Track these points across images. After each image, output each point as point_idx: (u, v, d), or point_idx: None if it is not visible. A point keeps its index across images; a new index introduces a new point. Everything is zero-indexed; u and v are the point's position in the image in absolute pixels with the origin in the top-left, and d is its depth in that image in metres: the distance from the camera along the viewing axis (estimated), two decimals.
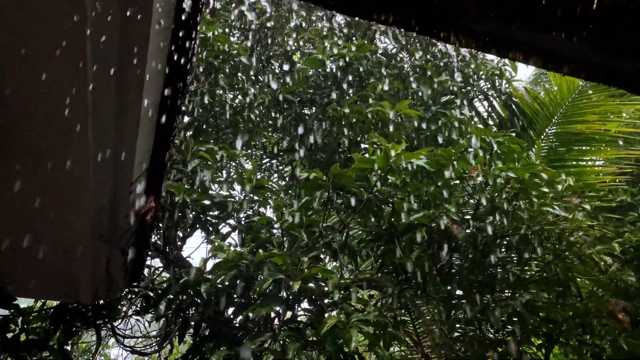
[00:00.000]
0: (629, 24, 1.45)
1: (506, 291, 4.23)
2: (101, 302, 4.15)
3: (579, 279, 4.36)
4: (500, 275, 4.06)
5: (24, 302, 4.48)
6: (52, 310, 4.11)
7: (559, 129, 6.40)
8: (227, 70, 5.13)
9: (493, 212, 3.87)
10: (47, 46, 1.96)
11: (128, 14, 1.99)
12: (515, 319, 4.07)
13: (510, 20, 1.36)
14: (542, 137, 6.44)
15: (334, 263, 5.10)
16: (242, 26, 6.52)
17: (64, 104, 2.21)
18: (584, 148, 6.46)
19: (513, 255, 4.22)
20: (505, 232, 3.92)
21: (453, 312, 4.42)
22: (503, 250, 4.13)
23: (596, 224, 4.30)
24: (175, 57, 2.31)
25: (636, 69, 1.54)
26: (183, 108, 4.94)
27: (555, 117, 6.37)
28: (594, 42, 1.44)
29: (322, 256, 4.71)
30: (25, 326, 3.96)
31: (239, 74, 5.42)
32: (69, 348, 4.49)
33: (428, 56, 6.68)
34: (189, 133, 4.98)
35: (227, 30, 6.21)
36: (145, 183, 3.21)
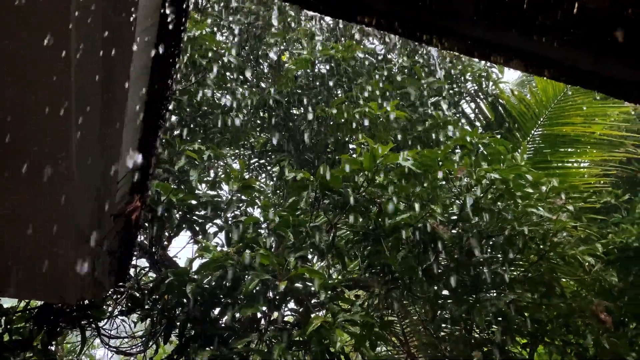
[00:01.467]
0: (608, 29, 1.48)
1: (491, 291, 4.27)
2: (86, 302, 4.12)
3: (563, 280, 4.41)
4: (486, 275, 4.09)
5: (7, 302, 4.43)
6: (36, 310, 4.07)
7: (545, 130, 6.46)
8: (215, 69, 5.11)
9: (478, 213, 3.90)
10: (30, 46, 1.94)
11: (113, 13, 1.98)
12: (500, 318, 4.11)
13: (492, 24, 1.37)
14: (528, 138, 6.50)
15: (322, 263, 5.11)
16: (230, 25, 6.50)
17: (48, 103, 2.19)
18: (569, 150, 6.53)
19: (498, 255, 4.26)
20: (491, 233, 3.96)
21: (439, 312, 4.45)
22: (488, 250, 4.16)
23: (580, 225, 4.35)
24: (161, 55, 2.30)
25: (616, 73, 1.57)
26: (170, 107, 4.93)
27: (541, 119, 6.43)
28: (574, 47, 1.46)
29: (310, 257, 4.72)
30: (9, 326, 3.91)
31: (227, 74, 5.41)
32: (53, 348, 4.45)
33: (416, 57, 6.71)
34: (176, 132, 4.96)
35: (215, 29, 6.19)
36: (131, 182, 3.19)
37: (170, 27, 2.22)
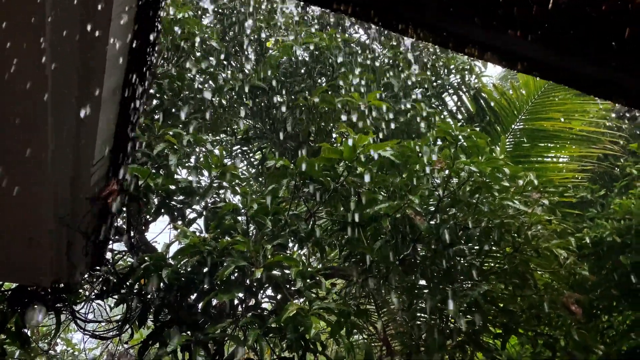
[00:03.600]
0: (582, 26, 1.50)
1: (466, 282, 4.33)
2: (61, 285, 4.08)
3: (537, 272, 4.48)
4: (461, 266, 4.15)
5: None
6: (9, 292, 4.03)
7: (525, 125, 6.54)
8: (198, 54, 5.05)
9: (456, 205, 3.94)
10: (4, 28, 1.90)
11: None
12: (475, 309, 4.17)
13: (467, 17, 1.38)
14: (509, 132, 6.57)
15: (302, 252, 5.13)
16: (215, 9, 6.43)
17: (22, 82, 2.15)
18: (548, 145, 6.62)
19: (475, 247, 4.31)
20: (467, 225, 4.00)
21: (415, 301, 4.51)
22: (464, 241, 4.21)
23: (555, 219, 4.42)
24: (139, 36, 2.27)
25: (588, 69, 1.59)
26: (151, 91, 4.87)
27: (522, 114, 6.50)
28: (548, 42, 1.48)
29: (290, 245, 4.73)
30: None
31: (210, 58, 5.35)
32: (28, 332, 4.41)
33: (402, 48, 6.72)
34: (156, 117, 4.90)
35: (199, 12, 6.11)
36: (107, 166, 3.16)
37: (148, 8, 2.18)
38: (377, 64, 6.01)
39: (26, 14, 1.87)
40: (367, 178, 3.81)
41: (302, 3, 6.57)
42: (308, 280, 3.68)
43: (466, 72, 6.62)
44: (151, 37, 2.31)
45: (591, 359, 4.43)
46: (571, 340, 4.18)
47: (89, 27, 2.12)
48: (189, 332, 3.52)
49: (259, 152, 6.83)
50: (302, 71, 5.78)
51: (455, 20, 1.37)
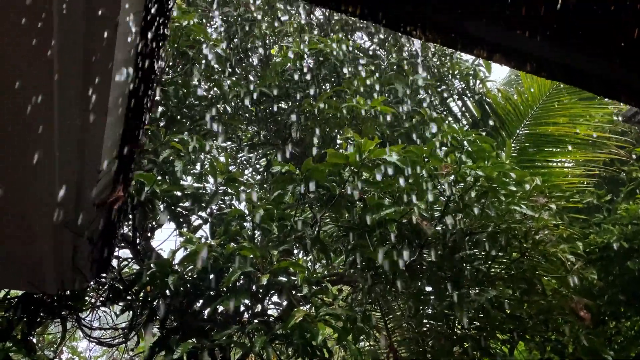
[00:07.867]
0: (591, 25, 1.49)
1: (473, 288, 4.30)
2: (67, 292, 4.08)
3: (544, 277, 4.46)
4: (468, 271, 4.12)
5: None
6: (15, 299, 4.02)
7: (530, 130, 6.52)
8: (203, 61, 5.07)
9: (462, 210, 3.92)
10: (11, 34, 1.91)
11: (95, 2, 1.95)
12: (482, 315, 4.14)
13: (475, 17, 1.38)
14: (514, 137, 6.55)
15: (307, 257, 5.11)
16: (221, 17, 6.46)
17: (28, 88, 2.16)
18: (553, 149, 6.59)
19: (481, 252, 4.29)
20: (474, 230, 3.98)
21: (421, 307, 4.48)
22: (471, 246, 4.19)
23: (562, 224, 4.40)
24: (146, 42, 2.28)
25: (596, 69, 1.58)
26: (157, 98, 4.88)
27: (527, 119, 6.49)
28: (557, 42, 1.47)
29: (295, 251, 4.71)
30: None
31: (215, 65, 5.37)
32: (34, 339, 4.40)
33: (405, 54, 6.73)
34: (162, 124, 4.91)
35: (203, 20, 6.14)
36: (113, 172, 3.16)
37: (155, 15, 2.19)
38: (382, 67, 6.01)
39: (34, 19, 1.88)
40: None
41: (308, 8, 6.60)
42: (314, 287, 3.66)
43: (471, 77, 6.62)
44: (159, 44, 2.32)
45: None
46: (580, 346, 4.14)
47: (95, 28, 2.13)
48: (194, 339, 3.50)
49: (264, 158, 6.83)
50: (307, 77, 5.78)
51: (463, 21, 1.36)
